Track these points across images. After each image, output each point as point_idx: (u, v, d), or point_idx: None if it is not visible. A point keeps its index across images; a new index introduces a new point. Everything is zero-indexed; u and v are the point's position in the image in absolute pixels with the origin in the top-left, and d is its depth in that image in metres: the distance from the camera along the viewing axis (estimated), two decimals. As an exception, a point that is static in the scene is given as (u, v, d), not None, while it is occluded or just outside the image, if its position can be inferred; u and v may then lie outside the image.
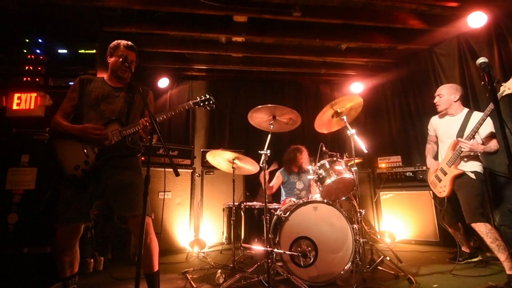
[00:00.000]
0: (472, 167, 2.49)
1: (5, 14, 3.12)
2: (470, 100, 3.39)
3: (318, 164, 2.70)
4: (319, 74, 5.04)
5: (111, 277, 2.69)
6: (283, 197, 3.49)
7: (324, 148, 2.92)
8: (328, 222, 2.38)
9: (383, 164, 4.27)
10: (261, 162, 2.51)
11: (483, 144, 2.42)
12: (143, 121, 1.71)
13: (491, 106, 2.24)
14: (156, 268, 1.80)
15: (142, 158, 2.70)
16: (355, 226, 2.44)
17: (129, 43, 1.95)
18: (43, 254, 2.60)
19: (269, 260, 2.16)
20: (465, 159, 2.52)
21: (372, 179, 4.30)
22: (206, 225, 3.97)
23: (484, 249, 2.92)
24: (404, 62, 4.56)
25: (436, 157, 2.83)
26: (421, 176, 3.87)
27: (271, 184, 3.53)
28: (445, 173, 2.57)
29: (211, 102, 2.00)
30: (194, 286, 2.33)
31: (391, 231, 3.83)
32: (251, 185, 4.39)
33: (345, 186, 2.67)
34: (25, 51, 3.18)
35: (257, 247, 2.58)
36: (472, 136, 2.37)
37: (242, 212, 2.91)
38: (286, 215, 2.34)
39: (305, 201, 2.44)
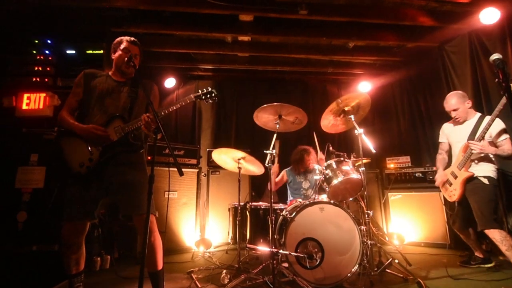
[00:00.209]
0: (485, 172, 2.41)
1: (15, 15, 3.18)
2: (483, 99, 3.29)
3: (325, 164, 2.66)
4: (326, 73, 4.98)
5: (117, 275, 2.70)
6: (289, 197, 3.46)
7: (331, 148, 2.89)
8: (334, 223, 2.33)
9: (391, 164, 4.19)
10: (266, 162, 2.48)
11: (495, 146, 2.35)
12: (145, 117, 1.70)
13: (501, 104, 2.18)
14: (160, 266, 1.79)
15: (149, 158, 2.73)
16: (363, 227, 2.39)
17: (132, 38, 1.95)
18: (51, 252, 2.64)
19: (275, 261, 2.13)
20: (476, 161, 2.44)
21: (380, 179, 4.22)
22: (212, 225, 3.97)
23: (497, 253, 2.82)
24: (413, 60, 4.47)
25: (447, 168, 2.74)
26: (430, 177, 3.77)
27: (276, 180, 3.50)
28: (455, 176, 2.49)
29: (213, 94, 1.96)
30: (199, 286, 2.32)
31: (399, 233, 3.75)
32: (257, 185, 4.36)
33: (353, 186, 2.63)
34: (34, 52, 3.25)
35: (263, 248, 2.56)
36: (482, 137, 2.30)
37: (247, 212, 2.89)
38: (292, 216, 2.31)
39: (311, 201, 2.41)
